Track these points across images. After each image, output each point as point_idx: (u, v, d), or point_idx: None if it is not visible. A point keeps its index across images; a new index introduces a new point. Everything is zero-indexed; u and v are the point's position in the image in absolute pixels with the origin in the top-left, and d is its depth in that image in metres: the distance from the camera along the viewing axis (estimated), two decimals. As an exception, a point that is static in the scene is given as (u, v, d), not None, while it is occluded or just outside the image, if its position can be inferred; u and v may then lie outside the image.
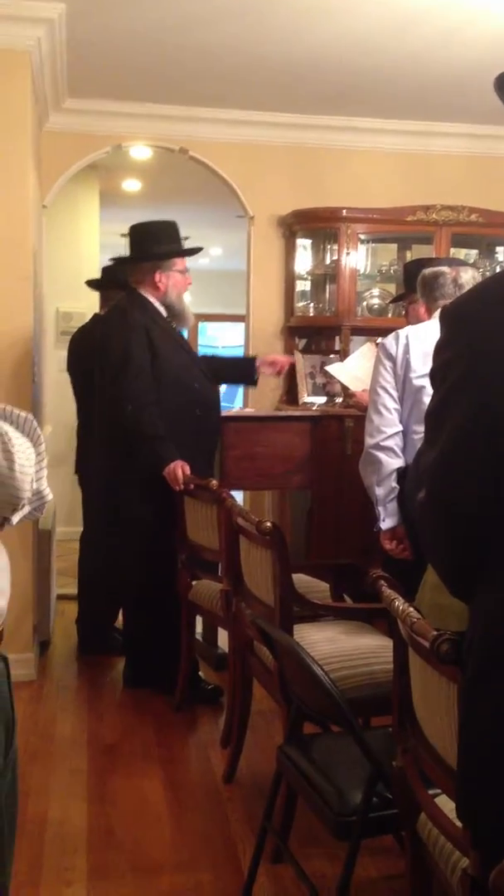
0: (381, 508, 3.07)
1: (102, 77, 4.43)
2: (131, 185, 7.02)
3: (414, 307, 3.61)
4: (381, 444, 3.06)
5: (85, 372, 4.19)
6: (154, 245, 3.66)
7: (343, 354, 4.72)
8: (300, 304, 5.21)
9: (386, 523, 3.07)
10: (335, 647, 2.62)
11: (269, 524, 2.49)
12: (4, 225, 3.69)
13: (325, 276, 5.17)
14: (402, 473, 3.04)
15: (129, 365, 3.49)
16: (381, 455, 3.06)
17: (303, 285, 5.26)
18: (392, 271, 5.16)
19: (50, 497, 1.28)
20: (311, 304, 5.22)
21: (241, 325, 5.29)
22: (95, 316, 4.38)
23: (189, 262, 3.80)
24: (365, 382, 3.61)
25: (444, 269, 3.20)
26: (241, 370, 4.13)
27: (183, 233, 3.82)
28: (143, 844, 2.61)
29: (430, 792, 1.73)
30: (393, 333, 3.18)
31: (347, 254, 4.93)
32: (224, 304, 8.57)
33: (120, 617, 4.07)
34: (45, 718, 3.46)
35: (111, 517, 3.72)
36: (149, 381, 3.50)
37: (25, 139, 3.72)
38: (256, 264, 5.20)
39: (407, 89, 4.48)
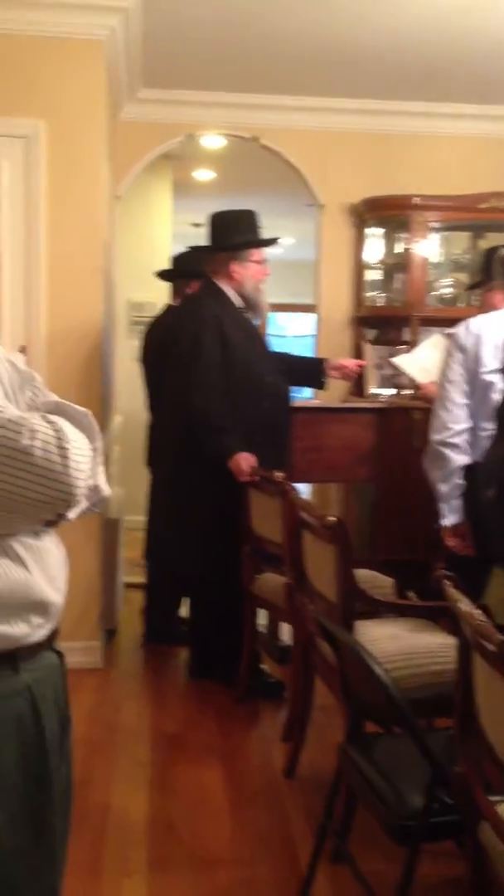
0: (444, 505, 3.00)
1: (176, 66, 4.43)
2: (204, 174, 7.02)
3: (489, 295, 3.50)
4: (448, 440, 2.98)
5: (156, 363, 4.21)
6: (232, 234, 3.62)
7: (412, 345, 4.64)
8: (369, 294, 5.13)
9: (448, 520, 3.00)
10: (398, 644, 2.57)
11: (332, 518, 2.46)
12: (77, 218, 3.72)
13: (396, 266, 5.08)
14: (468, 469, 2.97)
15: (198, 356, 3.48)
16: (448, 451, 2.98)
17: (373, 275, 5.18)
18: (465, 260, 5.04)
19: (108, 492, 1.27)
20: (381, 294, 5.14)
21: (310, 316, 5.24)
22: (168, 307, 4.38)
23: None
24: (433, 374, 3.53)
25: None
26: (310, 373, 4.03)
27: (256, 222, 3.77)
28: (202, 837, 2.61)
29: (492, 798, 1.68)
30: (463, 323, 3.08)
31: (418, 242, 4.83)
32: (294, 294, 8.51)
33: (185, 607, 4.09)
34: (109, 707, 3.50)
35: (177, 507, 3.73)
36: (218, 373, 3.48)
37: (99, 131, 3.74)
38: (326, 254, 5.14)
39: (482, 73, 4.36)
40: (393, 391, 4.81)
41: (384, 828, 2.01)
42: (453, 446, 2.98)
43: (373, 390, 4.87)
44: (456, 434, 2.99)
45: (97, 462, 1.22)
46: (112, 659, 4.02)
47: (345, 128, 4.95)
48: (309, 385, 4.20)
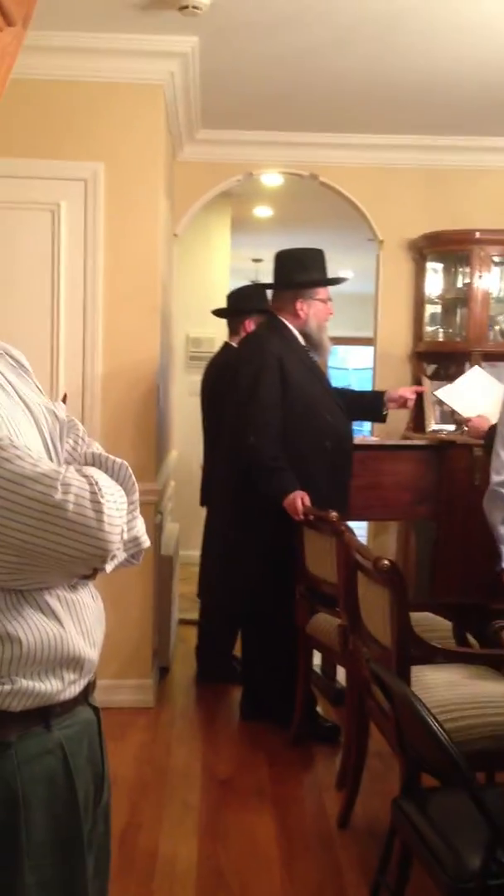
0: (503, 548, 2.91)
1: (233, 107, 4.47)
2: (263, 211, 7.07)
3: None
4: (508, 482, 2.90)
5: (210, 403, 4.22)
6: (298, 272, 3.61)
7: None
8: (429, 329, 5.07)
9: (508, 564, 2.90)
10: (455, 692, 2.48)
11: (386, 562, 2.40)
12: (134, 258, 3.76)
13: (457, 300, 5.02)
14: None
15: (256, 394, 3.46)
16: (508, 493, 2.90)
17: (432, 309, 5.13)
18: (527, 294, 4.96)
19: (147, 544, 1.25)
20: (441, 329, 5.08)
21: (369, 349, 5.20)
22: (225, 344, 4.39)
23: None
24: (479, 407, 3.44)
25: None
26: (370, 406, 3.96)
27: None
28: (252, 889, 2.55)
29: None
30: None
31: (480, 276, 4.78)
32: (354, 327, 8.49)
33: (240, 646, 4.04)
34: (160, 748, 3.46)
35: (232, 545, 3.70)
36: (275, 412, 3.45)
37: (157, 172, 3.78)
38: (385, 288, 5.11)
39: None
40: (452, 427, 4.73)
41: (440, 889, 1.92)
42: (514, 488, 2.90)
43: (434, 427, 4.79)
44: (517, 475, 2.90)
45: (134, 515, 1.20)
46: (164, 697, 3.99)
47: (402, 163, 4.94)
48: (370, 419, 4.15)
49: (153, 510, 3.82)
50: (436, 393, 4.23)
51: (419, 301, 5.07)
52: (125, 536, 1.16)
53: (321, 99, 4.30)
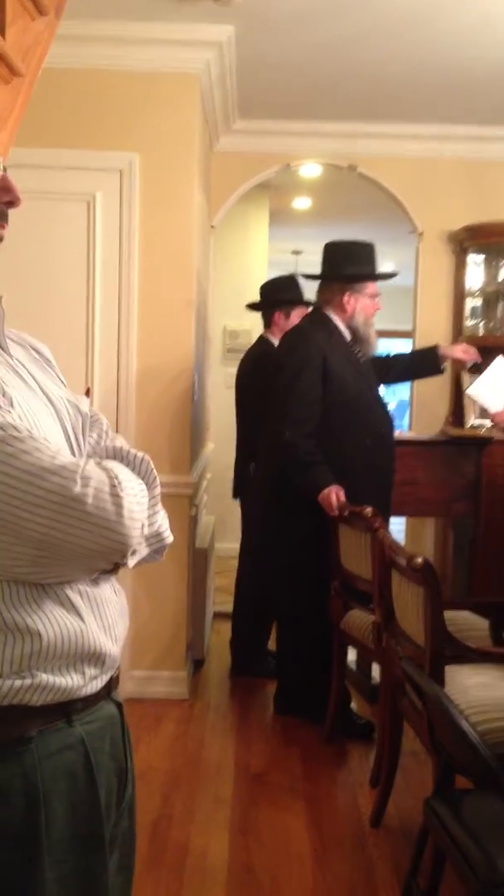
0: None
1: (271, 97, 4.43)
2: (301, 202, 7.01)
3: None
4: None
5: (245, 395, 4.20)
6: (347, 265, 3.54)
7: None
8: (469, 323, 4.99)
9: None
10: (490, 693, 2.44)
11: (420, 560, 2.35)
12: (169, 250, 3.74)
13: (498, 294, 4.92)
14: None
15: (294, 390, 3.42)
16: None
17: (473, 303, 5.04)
18: None
19: (170, 540, 1.23)
20: (482, 323, 5.00)
21: (407, 341, 5.13)
22: (261, 337, 4.36)
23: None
24: None
25: None
26: (428, 362, 3.90)
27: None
28: (282, 885, 2.53)
29: None
30: None
31: (522, 269, 4.68)
32: (393, 321, 8.40)
33: (274, 640, 4.02)
34: (193, 740, 3.45)
35: (267, 539, 3.68)
36: (312, 408, 3.40)
37: (192, 163, 3.75)
38: (424, 281, 5.04)
39: None
40: (490, 423, 4.65)
41: (469, 893, 1.88)
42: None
43: (473, 422, 4.72)
44: None
45: (155, 510, 1.18)
46: (198, 690, 3.98)
47: (443, 154, 4.85)
48: (428, 375, 4.05)
49: (188, 503, 3.81)
50: (468, 393, 4.16)
51: (459, 294, 4.99)
52: (146, 531, 1.14)
53: (360, 88, 4.24)
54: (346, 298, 3.52)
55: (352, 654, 3.81)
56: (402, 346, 3.89)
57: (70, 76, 3.60)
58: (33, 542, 1.04)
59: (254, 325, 5.44)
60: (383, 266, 3.73)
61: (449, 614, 2.88)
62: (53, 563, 1.07)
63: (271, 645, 4.12)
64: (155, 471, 1.19)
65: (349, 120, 4.70)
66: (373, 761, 3.19)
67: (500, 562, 4.11)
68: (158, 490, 1.19)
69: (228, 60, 3.84)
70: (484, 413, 4.64)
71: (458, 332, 4.97)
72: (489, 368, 4.06)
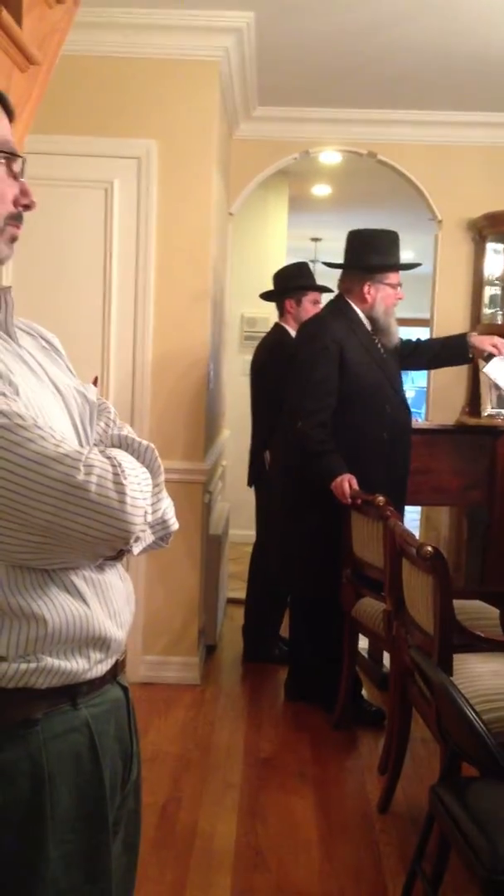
0: None
1: (290, 84, 4.41)
2: (321, 189, 6.99)
3: None
4: None
5: (260, 383, 4.21)
6: (369, 254, 3.50)
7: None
8: (488, 311, 4.97)
9: None
10: (499, 682, 2.45)
11: (429, 549, 2.36)
12: (186, 238, 3.74)
13: (517, 282, 4.90)
14: None
15: (309, 379, 3.41)
16: None
17: (492, 291, 5.01)
18: None
19: (175, 527, 1.25)
20: (501, 311, 4.97)
21: (425, 329, 5.11)
22: (276, 325, 4.36)
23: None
24: None
25: None
26: (455, 348, 3.77)
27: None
28: (289, 869, 2.56)
29: None
30: None
31: (541, 258, 4.65)
32: (411, 309, 8.36)
33: (286, 627, 4.04)
34: (203, 725, 3.49)
35: (282, 527, 3.69)
36: (327, 398, 3.38)
37: (211, 150, 3.75)
38: (443, 269, 5.02)
39: None
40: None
41: (475, 880, 1.90)
42: None
43: (490, 411, 4.70)
44: None
45: (160, 497, 1.20)
46: (210, 675, 4.02)
47: (462, 141, 4.82)
48: (456, 363, 3.95)
49: (202, 490, 3.83)
50: (484, 371, 4.08)
51: (478, 282, 4.96)
52: (149, 518, 1.16)
53: (380, 75, 4.22)
54: (366, 288, 3.50)
55: (364, 642, 3.83)
56: (420, 334, 3.86)
57: (88, 63, 3.61)
58: (38, 529, 1.06)
59: (271, 312, 5.41)
60: (403, 255, 3.71)
61: (460, 603, 2.89)
62: (58, 550, 1.09)
63: (283, 631, 4.15)
64: (159, 459, 1.21)
65: (369, 107, 4.68)
66: (382, 748, 3.21)
67: (513, 551, 4.12)
68: (163, 478, 1.20)
69: (248, 47, 3.83)
70: (500, 401, 4.63)
71: (476, 321, 4.95)
72: None
